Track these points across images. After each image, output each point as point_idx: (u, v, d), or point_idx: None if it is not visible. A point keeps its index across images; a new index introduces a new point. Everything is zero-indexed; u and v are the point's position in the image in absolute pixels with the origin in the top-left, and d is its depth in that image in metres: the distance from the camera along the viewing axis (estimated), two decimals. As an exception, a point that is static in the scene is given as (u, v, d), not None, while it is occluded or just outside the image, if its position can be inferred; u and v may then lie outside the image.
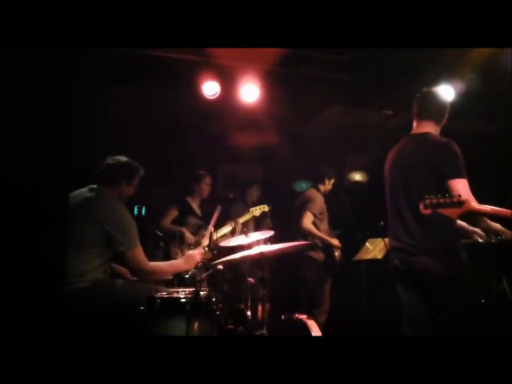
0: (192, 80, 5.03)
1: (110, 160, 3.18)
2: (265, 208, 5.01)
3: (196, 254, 3.13)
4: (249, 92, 5.19)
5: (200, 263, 3.01)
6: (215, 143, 6.25)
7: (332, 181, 5.24)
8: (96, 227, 2.89)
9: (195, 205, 5.08)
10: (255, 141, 6.01)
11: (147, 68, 4.83)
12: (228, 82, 5.15)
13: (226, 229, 4.75)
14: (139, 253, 2.98)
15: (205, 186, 5.06)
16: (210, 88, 5.09)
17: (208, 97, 5.12)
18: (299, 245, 3.57)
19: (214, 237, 4.53)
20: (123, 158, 3.20)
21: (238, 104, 5.31)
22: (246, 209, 5.27)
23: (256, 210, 4.97)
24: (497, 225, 2.80)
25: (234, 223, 4.81)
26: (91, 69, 4.46)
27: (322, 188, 5.16)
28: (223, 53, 4.68)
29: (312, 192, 5.06)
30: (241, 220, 4.87)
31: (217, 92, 5.11)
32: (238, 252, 3.02)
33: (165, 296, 2.75)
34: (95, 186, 3.12)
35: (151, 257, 3.87)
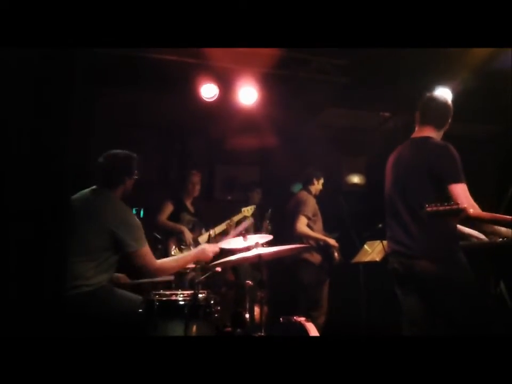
0: (190, 83, 5.06)
1: (105, 159, 3.07)
2: (253, 208, 5.08)
3: (210, 250, 3.08)
4: (248, 94, 5.22)
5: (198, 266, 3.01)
6: (213, 145, 6.26)
7: (321, 180, 5.24)
8: (104, 233, 2.86)
9: (188, 203, 5.14)
10: (253, 143, 6.03)
11: (146, 70, 4.84)
12: (226, 84, 5.17)
13: (221, 228, 4.79)
14: (147, 251, 2.95)
15: (192, 185, 5.12)
16: (208, 91, 5.12)
17: (207, 99, 5.14)
18: (295, 248, 3.57)
19: (202, 241, 4.70)
20: (118, 153, 3.09)
21: (236, 107, 5.34)
22: None
23: (248, 211, 5.02)
24: (502, 228, 2.81)
25: (228, 223, 4.85)
26: (90, 71, 4.47)
27: (312, 188, 5.18)
28: (221, 56, 4.70)
29: (303, 195, 5.08)
30: (236, 218, 4.92)
31: (216, 94, 5.14)
32: (236, 255, 3.02)
33: (164, 299, 2.75)
34: (97, 188, 3.05)
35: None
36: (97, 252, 2.88)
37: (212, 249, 3.10)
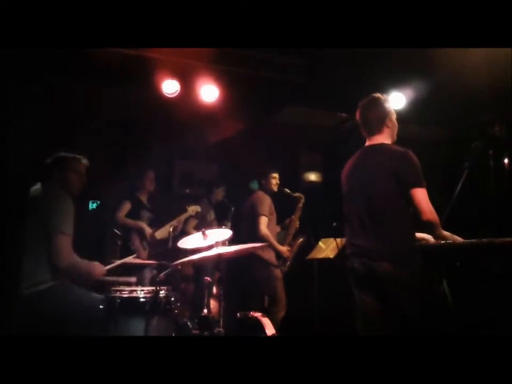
0: (152, 78, 5.05)
1: (47, 159, 3.27)
2: (198, 208, 5.16)
3: (103, 270, 3.12)
4: (209, 91, 5.27)
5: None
6: (173, 140, 6.26)
7: (275, 174, 5.18)
8: (42, 223, 2.90)
9: (144, 199, 5.20)
10: (212, 140, 6.08)
11: (106, 62, 4.80)
12: (188, 81, 5.20)
13: (168, 227, 4.86)
14: (66, 240, 2.94)
15: (147, 181, 5.20)
16: (170, 86, 5.13)
17: (168, 95, 5.16)
18: (254, 247, 3.60)
19: (159, 236, 4.83)
20: (59, 153, 3.28)
21: (197, 103, 5.38)
22: (211, 208, 5.47)
23: (192, 210, 5.13)
24: (447, 233, 2.94)
25: (176, 221, 4.96)
26: (50, 63, 4.41)
27: (267, 186, 5.14)
28: (184, 52, 4.72)
29: (260, 194, 5.09)
30: (182, 217, 5.04)
31: (177, 90, 5.16)
32: (197, 251, 3.07)
33: (125, 296, 2.80)
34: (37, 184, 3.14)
35: (110, 256, 3.90)
36: (41, 246, 2.91)
37: (100, 270, 3.10)
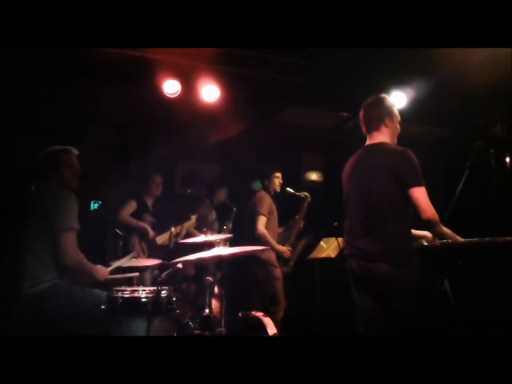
0: (153, 78, 5.06)
1: (40, 155, 3.22)
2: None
3: (106, 272, 3.17)
4: (210, 92, 5.28)
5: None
6: (174, 140, 6.27)
7: (277, 174, 5.17)
8: (42, 223, 2.91)
9: (149, 203, 5.20)
10: (213, 140, 6.08)
11: (107, 63, 4.81)
12: (189, 81, 5.21)
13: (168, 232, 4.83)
14: (72, 237, 2.94)
15: (154, 185, 5.20)
16: (171, 87, 5.14)
17: (169, 95, 5.17)
18: (255, 250, 3.58)
19: (160, 241, 4.83)
20: (48, 148, 3.23)
21: (198, 103, 5.38)
22: (212, 210, 5.50)
23: (197, 219, 5.16)
24: (447, 230, 2.94)
25: (180, 227, 4.95)
26: (53, 63, 4.43)
27: (270, 186, 5.14)
28: (185, 53, 4.73)
29: (262, 194, 5.07)
30: (186, 225, 5.04)
31: (178, 91, 5.17)
32: (197, 251, 3.07)
33: (126, 296, 2.80)
34: (36, 185, 3.13)
35: (110, 256, 3.90)
36: (41, 246, 2.91)
37: (107, 271, 3.18)
